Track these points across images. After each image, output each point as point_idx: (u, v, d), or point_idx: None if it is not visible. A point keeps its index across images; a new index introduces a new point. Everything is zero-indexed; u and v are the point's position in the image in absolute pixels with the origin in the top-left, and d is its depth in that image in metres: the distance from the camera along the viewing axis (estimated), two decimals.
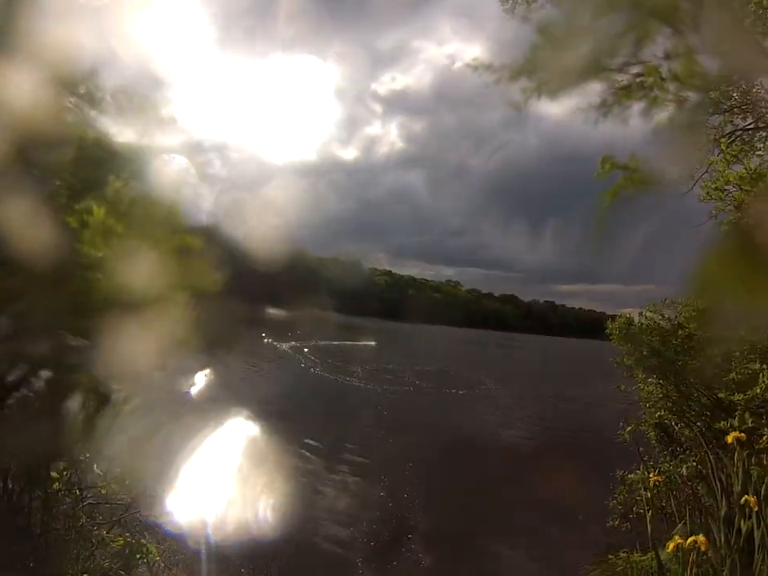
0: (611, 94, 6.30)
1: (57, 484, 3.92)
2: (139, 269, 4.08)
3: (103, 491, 4.43)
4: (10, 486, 3.63)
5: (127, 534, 4.37)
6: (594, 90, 6.26)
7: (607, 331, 7.49)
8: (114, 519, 4.51)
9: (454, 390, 21.26)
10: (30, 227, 2.77)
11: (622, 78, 6.17)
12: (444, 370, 29.02)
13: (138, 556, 4.30)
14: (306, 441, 11.61)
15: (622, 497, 7.28)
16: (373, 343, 48.74)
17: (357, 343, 42.36)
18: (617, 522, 7.27)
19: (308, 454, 10.78)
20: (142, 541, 4.38)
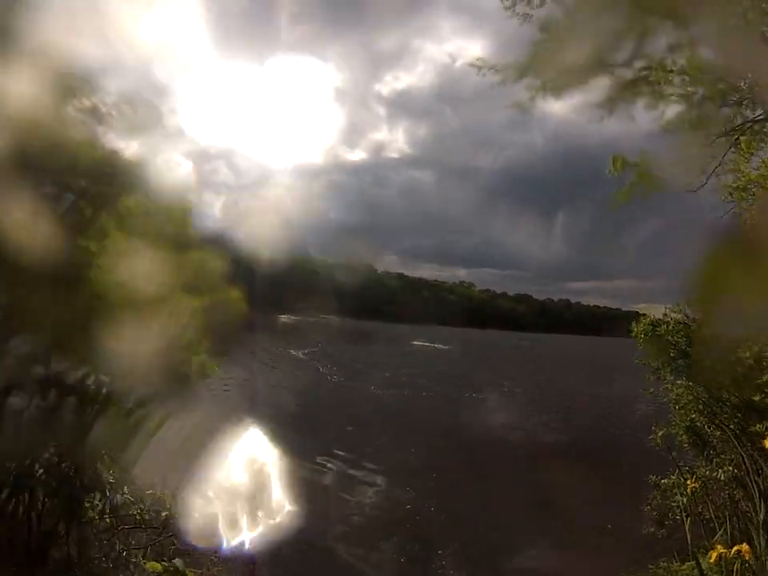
0: (616, 90, 6.16)
1: (91, 512, 3.85)
2: (155, 285, 4.00)
3: (136, 515, 4.35)
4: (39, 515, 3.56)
5: (164, 560, 4.27)
6: (599, 86, 6.13)
7: (632, 334, 7.32)
8: (148, 543, 4.42)
9: (472, 394, 21.01)
10: (46, 246, 2.69)
11: (627, 74, 6.04)
12: (461, 372, 28.82)
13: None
14: (326, 448, 11.50)
15: (656, 502, 7.09)
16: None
17: (370, 347, 42.11)
18: (652, 529, 7.07)
19: (328, 462, 10.66)
20: (178, 566, 4.28)
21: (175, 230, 3.93)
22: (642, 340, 7.15)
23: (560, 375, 32.25)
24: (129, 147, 3.48)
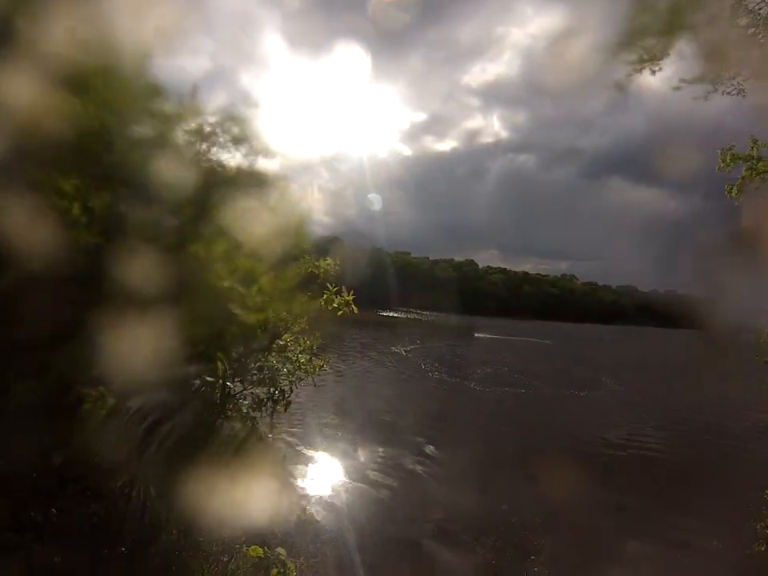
0: (718, 57, 5.68)
1: None
2: (270, 289, 4.18)
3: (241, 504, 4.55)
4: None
5: (265, 547, 4.44)
6: (699, 55, 5.67)
7: (756, 329, 6.84)
8: (251, 531, 4.58)
9: (573, 391, 20.35)
10: (156, 259, 2.86)
11: (730, 35, 5.55)
12: (561, 368, 28.00)
13: (275, 571, 4.34)
14: (423, 444, 11.53)
15: None
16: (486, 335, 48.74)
17: (469, 343, 41.76)
18: (762, 548, 6.54)
19: (424, 458, 10.67)
20: (281, 556, 4.43)
21: (289, 237, 4.11)
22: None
23: (663, 372, 30.53)
24: (233, 159, 3.62)
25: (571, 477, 9.89)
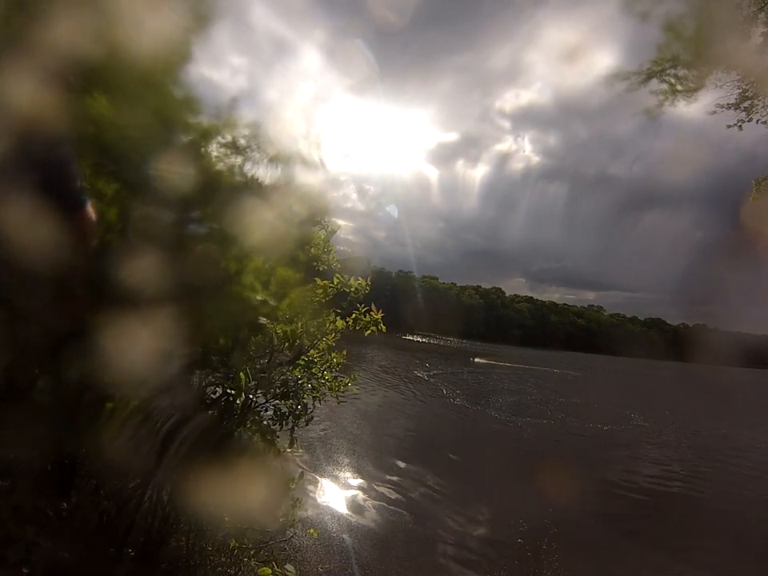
0: (753, 85, 5.59)
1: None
2: (297, 306, 4.20)
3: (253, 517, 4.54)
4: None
5: (273, 564, 4.42)
6: (733, 83, 5.60)
7: None
8: (260, 546, 4.58)
9: (597, 425, 20.00)
10: (188, 269, 2.90)
11: (763, 63, 5.47)
12: (586, 401, 27.62)
13: None
14: (439, 469, 11.41)
15: None
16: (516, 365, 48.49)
17: (493, 372, 41.38)
18: None
19: (442, 480, 10.54)
20: (289, 572, 4.41)
21: (316, 253, 4.17)
22: None
23: (692, 410, 29.76)
24: (267, 175, 3.67)
25: (588, 513, 9.70)
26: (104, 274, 2.35)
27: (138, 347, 2.44)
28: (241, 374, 3.45)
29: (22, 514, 3.07)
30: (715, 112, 6.03)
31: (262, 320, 3.35)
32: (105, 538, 3.41)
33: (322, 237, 4.42)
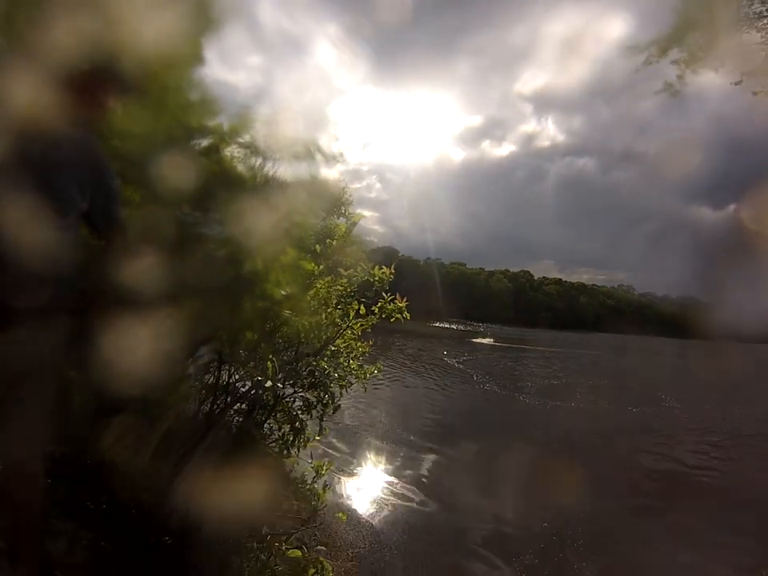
0: None
1: None
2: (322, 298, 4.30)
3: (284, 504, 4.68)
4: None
5: (304, 548, 4.53)
6: (755, 49, 5.38)
7: None
8: (291, 531, 4.66)
9: (628, 407, 19.77)
10: (211, 269, 3.00)
11: None
12: (616, 383, 27.34)
13: (312, 571, 4.42)
14: (471, 458, 11.45)
15: None
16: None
17: (523, 356, 41.13)
18: None
19: (473, 472, 10.57)
20: (320, 557, 4.52)
21: (339, 245, 4.23)
22: None
23: (725, 391, 29.26)
24: (286, 172, 3.71)
25: (617, 498, 9.65)
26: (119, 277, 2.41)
27: (158, 345, 2.51)
28: (269, 363, 3.54)
29: (64, 508, 3.21)
30: (741, 81, 5.84)
31: (287, 313, 3.44)
32: (143, 527, 3.54)
33: (344, 228, 4.48)
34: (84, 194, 2.18)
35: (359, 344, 4.65)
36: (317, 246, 4.08)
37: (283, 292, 3.20)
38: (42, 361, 2.20)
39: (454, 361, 30.34)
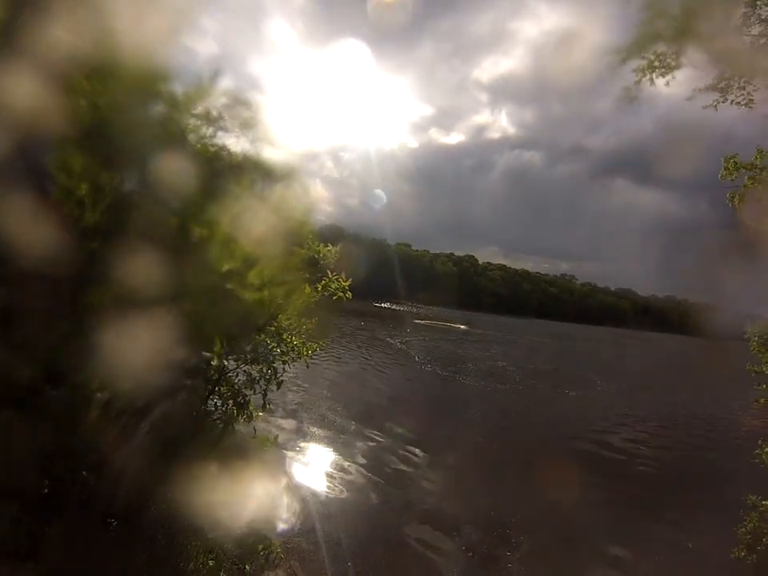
0: (730, 67, 5.70)
1: None
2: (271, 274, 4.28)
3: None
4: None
5: (250, 527, 4.55)
6: (711, 64, 5.69)
7: (746, 336, 6.92)
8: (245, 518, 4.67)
9: (565, 391, 20.51)
10: (157, 240, 2.95)
11: (740, 45, 5.58)
12: (555, 368, 28.22)
13: (260, 546, 4.46)
14: (414, 437, 11.62)
15: (752, 525, 6.64)
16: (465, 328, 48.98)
17: (464, 339, 41.80)
18: (742, 553, 6.63)
19: (416, 450, 10.74)
20: (268, 536, 4.56)
21: (292, 224, 4.19)
22: (756, 345, 6.75)
23: (657, 377, 30.63)
24: (239, 145, 3.67)
25: (558, 475, 10.00)
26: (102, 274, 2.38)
27: (114, 329, 2.48)
28: (217, 339, 3.52)
29: (4, 491, 3.12)
30: (693, 97, 6.12)
31: (232, 287, 3.41)
32: (87, 510, 3.49)
33: (297, 208, 4.44)
34: None
35: (304, 321, 4.63)
36: (272, 226, 4.04)
37: (227, 266, 3.18)
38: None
39: (396, 341, 30.53)
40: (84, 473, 3.55)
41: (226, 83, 3.46)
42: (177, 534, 4.10)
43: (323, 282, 4.56)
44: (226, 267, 3.20)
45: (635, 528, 8.35)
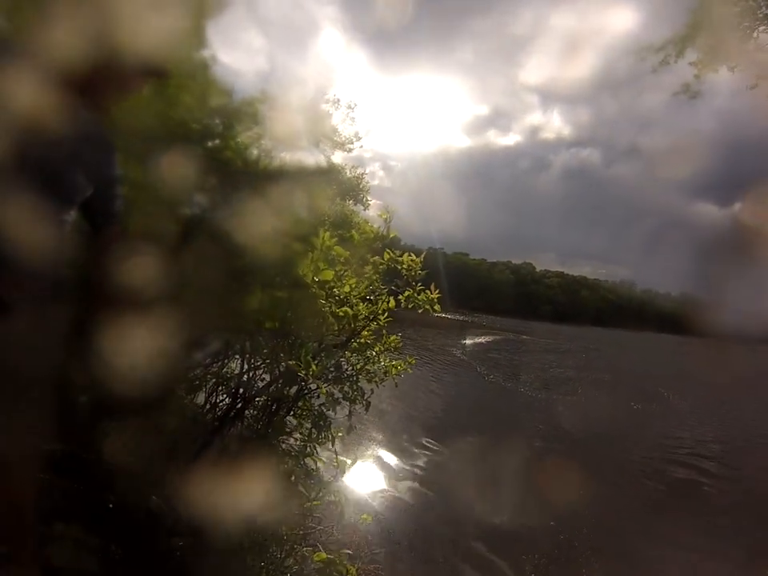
0: None
1: None
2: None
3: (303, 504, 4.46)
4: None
5: (329, 551, 4.33)
6: None
7: None
8: (308, 530, 4.51)
9: (630, 403, 19.63)
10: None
11: None
12: (615, 378, 27.24)
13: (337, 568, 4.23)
14: (478, 451, 11.26)
15: None
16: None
17: (525, 348, 41.17)
18: None
19: (476, 460, 10.38)
20: (344, 562, 4.31)
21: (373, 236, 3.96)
22: None
23: (728, 391, 29.09)
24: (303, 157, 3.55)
25: (618, 495, 9.50)
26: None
27: (160, 342, 2.32)
28: (306, 358, 3.26)
29: (67, 511, 2.99)
30: (757, 85, 5.62)
31: (321, 302, 3.22)
32: (152, 531, 3.33)
33: (359, 216, 4.23)
34: (88, 182, 2.02)
35: (392, 337, 4.35)
36: (353, 232, 3.80)
37: (317, 278, 2.97)
38: (39, 353, 2.02)
39: (457, 351, 30.31)
40: (149, 494, 3.43)
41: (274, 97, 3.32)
42: (248, 558, 3.90)
43: (406, 293, 4.23)
44: (316, 279, 2.98)
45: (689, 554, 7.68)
